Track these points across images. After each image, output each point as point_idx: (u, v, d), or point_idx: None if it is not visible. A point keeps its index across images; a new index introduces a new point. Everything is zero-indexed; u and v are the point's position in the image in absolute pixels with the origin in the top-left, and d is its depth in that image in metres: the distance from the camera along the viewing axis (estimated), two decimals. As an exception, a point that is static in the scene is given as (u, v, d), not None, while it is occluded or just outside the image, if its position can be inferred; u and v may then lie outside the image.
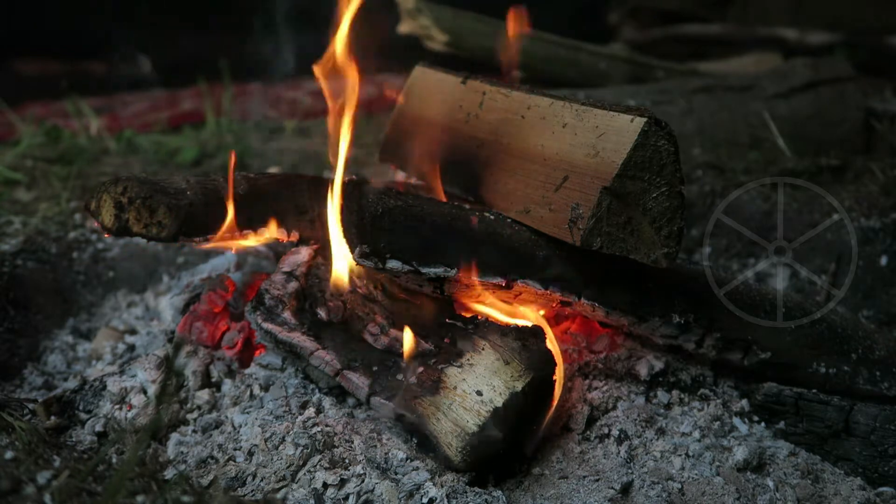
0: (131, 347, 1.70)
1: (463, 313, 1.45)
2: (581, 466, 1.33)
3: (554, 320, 1.60)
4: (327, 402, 1.40)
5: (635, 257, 1.27)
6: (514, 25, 1.68)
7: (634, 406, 1.46)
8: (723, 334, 1.47)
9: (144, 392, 1.45)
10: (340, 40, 1.50)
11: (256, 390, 1.45)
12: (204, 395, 1.44)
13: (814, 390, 1.46)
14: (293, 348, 1.38)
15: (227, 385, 1.47)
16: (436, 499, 1.19)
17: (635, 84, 2.91)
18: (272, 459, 1.27)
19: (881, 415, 1.38)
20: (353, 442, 1.30)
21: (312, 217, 1.52)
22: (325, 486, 1.23)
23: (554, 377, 1.33)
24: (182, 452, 1.33)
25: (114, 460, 1.29)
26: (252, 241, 1.51)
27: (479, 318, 1.40)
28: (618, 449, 1.36)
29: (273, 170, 2.50)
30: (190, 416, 1.41)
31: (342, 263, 1.46)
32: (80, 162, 2.51)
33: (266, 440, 1.31)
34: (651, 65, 3.12)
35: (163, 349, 1.57)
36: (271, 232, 1.49)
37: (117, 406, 1.43)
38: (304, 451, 1.27)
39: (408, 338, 1.34)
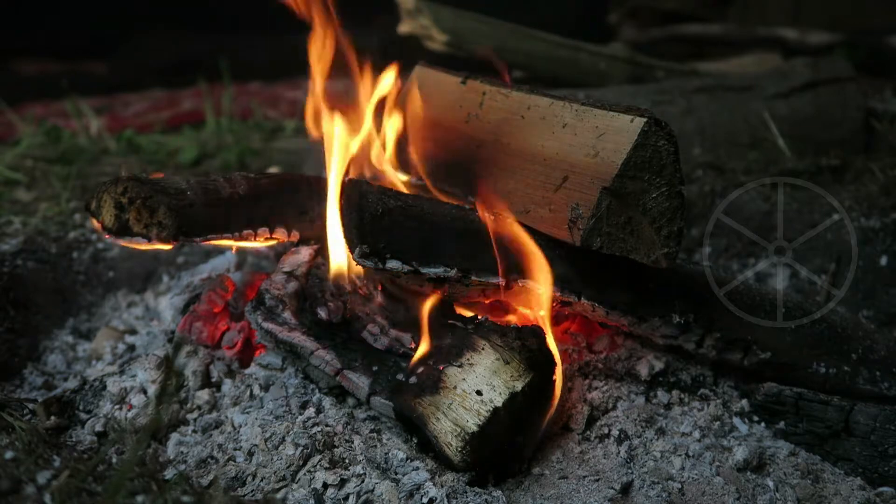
0: (131, 347, 1.70)
1: (463, 313, 1.45)
2: (581, 466, 1.33)
3: (554, 320, 1.60)
4: (327, 402, 1.40)
5: (635, 257, 1.27)
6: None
7: (634, 406, 1.46)
8: (723, 334, 1.47)
9: (144, 392, 1.45)
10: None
11: (256, 390, 1.45)
12: (204, 395, 1.44)
13: (814, 390, 1.46)
14: (293, 348, 1.38)
15: (227, 385, 1.47)
16: (436, 499, 1.19)
17: (635, 84, 2.91)
18: (272, 459, 1.27)
19: (881, 415, 1.38)
20: (353, 442, 1.30)
21: (312, 217, 1.53)
22: (325, 486, 1.23)
23: (554, 377, 1.33)
24: (182, 452, 1.33)
25: (114, 460, 1.29)
26: (256, 243, 1.51)
27: (479, 317, 1.40)
28: (618, 449, 1.36)
29: (273, 170, 2.50)
30: (190, 416, 1.41)
31: (342, 263, 1.46)
32: (80, 162, 2.52)
33: (266, 440, 1.31)
34: (651, 65, 3.12)
35: (163, 349, 1.57)
36: (276, 236, 1.49)
37: (117, 406, 1.43)
38: (304, 451, 1.27)
39: (423, 345, 1.34)
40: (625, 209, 1.23)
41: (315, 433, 1.30)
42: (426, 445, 1.28)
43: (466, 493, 1.21)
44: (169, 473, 1.26)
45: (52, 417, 1.39)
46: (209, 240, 1.43)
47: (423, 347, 1.34)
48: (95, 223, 1.40)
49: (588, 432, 1.41)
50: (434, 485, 1.22)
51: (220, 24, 4.74)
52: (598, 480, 1.28)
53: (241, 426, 1.37)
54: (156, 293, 1.98)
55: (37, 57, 4.85)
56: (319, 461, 1.26)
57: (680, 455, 1.36)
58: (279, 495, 1.22)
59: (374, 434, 1.33)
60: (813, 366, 1.50)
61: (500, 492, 1.23)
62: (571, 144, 1.30)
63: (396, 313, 1.44)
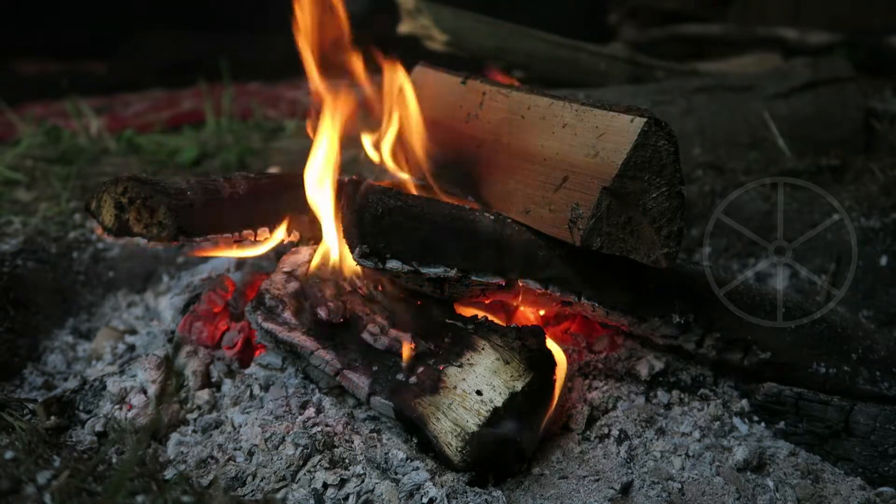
0: (131, 347, 1.69)
1: (463, 313, 1.45)
2: (581, 466, 1.33)
3: (554, 320, 1.60)
4: (327, 402, 1.40)
5: (635, 257, 1.27)
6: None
7: (634, 406, 1.46)
8: (723, 334, 1.47)
9: (144, 392, 1.45)
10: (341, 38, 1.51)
11: (256, 390, 1.45)
12: (204, 395, 1.44)
13: (814, 390, 1.46)
14: (294, 348, 1.38)
15: (227, 385, 1.47)
16: (436, 499, 1.19)
17: (635, 84, 2.90)
18: (272, 459, 1.27)
19: (881, 415, 1.38)
20: (353, 442, 1.30)
21: (312, 217, 1.53)
22: (325, 486, 1.23)
23: (554, 377, 1.33)
24: (182, 452, 1.33)
25: (114, 460, 1.29)
26: (259, 248, 1.51)
27: (479, 317, 1.40)
28: (618, 449, 1.36)
29: (273, 170, 2.50)
30: (190, 416, 1.41)
31: (342, 263, 1.46)
32: (80, 162, 2.52)
33: (266, 440, 1.31)
34: (651, 65, 3.12)
35: (163, 349, 1.57)
36: (275, 238, 1.50)
37: (117, 406, 1.43)
38: (304, 451, 1.27)
39: (406, 348, 1.34)
40: (625, 209, 1.23)
41: (315, 433, 1.30)
42: (426, 445, 1.28)
43: (466, 493, 1.21)
44: (169, 473, 1.26)
45: (52, 417, 1.39)
46: (209, 240, 1.43)
47: (408, 351, 1.34)
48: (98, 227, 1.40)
49: (588, 432, 1.41)
50: (434, 485, 1.22)
51: (220, 24, 4.74)
52: (598, 480, 1.28)
53: (241, 426, 1.37)
54: (156, 293, 1.98)
55: (37, 57, 4.85)
56: (319, 461, 1.26)
57: (680, 455, 1.36)
58: (279, 495, 1.22)
59: (374, 434, 1.33)
60: (813, 366, 1.50)
61: (500, 492, 1.23)
62: (571, 144, 1.30)
63: (396, 313, 1.44)
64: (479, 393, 1.24)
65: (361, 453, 1.28)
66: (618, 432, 1.39)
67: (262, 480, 1.25)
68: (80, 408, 1.44)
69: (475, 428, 1.22)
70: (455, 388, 1.26)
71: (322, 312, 1.40)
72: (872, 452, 1.38)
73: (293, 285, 1.44)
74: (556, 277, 1.37)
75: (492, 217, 1.41)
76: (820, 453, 1.42)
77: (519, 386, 1.25)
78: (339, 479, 1.23)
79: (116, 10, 4.66)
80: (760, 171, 2.24)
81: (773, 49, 4.07)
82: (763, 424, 1.48)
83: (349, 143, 1.57)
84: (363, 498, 1.21)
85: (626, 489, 1.27)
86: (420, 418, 1.25)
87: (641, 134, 1.19)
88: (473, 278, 1.35)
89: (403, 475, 1.25)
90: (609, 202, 1.22)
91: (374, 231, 1.31)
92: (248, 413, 1.39)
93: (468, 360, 1.29)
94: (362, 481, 1.23)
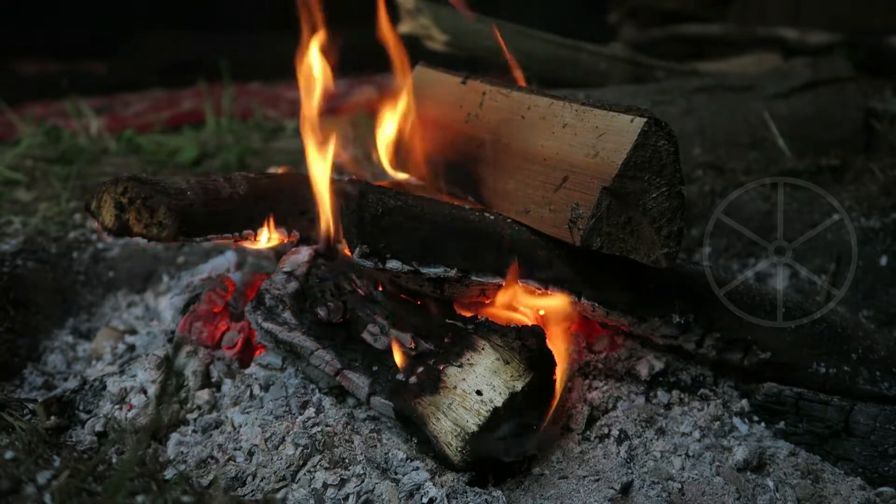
0: (131, 347, 1.69)
1: (463, 313, 1.45)
2: (581, 466, 1.33)
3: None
4: (327, 402, 1.40)
5: (635, 257, 1.27)
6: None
7: (634, 406, 1.46)
8: (723, 334, 1.47)
9: (144, 392, 1.45)
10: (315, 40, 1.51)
11: (256, 390, 1.45)
12: (204, 395, 1.44)
13: (814, 390, 1.46)
14: (294, 348, 1.38)
15: (227, 385, 1.47)
16: (436, 499, 1.19)
17: (635, 84, 2.90)
18: (272, 459, 1.27)
19: (881, 415, 1.38)
20: (353, 442, 1.30)
21: (312, 217, 1.52)
22: (325, 486, 1.23)
23: (554, 377, 1.33)
24: (182, 452, 1.33)
25: (114, 460, 1.29)
26: (259, 245, 1.51)
27: (479, 317, 1.40)
28: (618, 449, 1.36)
29: (273, 170, 2.50)
30: (190, 416, 1.41)
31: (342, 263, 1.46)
32: (80, 162, 2.52)
33: (266, 440, 1.31)
34: (651, 65, 3.12)
35: (163, 349, 1.57)
36: (274, 236, 1.50)
37: (117, 406, 1.43)
38: (304, 451, 1.27)
39: (397, 354, 1.34)
40: (625, 209, 1.23)
41: (315, 433, 1.30)
42: (426, 445, 1.28)
43: (466, 493, 1.21)
44: (169, 473, 1.26)
45: (52, 417, 1.39)
46: (209, 240, 1.43)
47: (399, 355, 1.34)
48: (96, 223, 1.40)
49: (588, 432, 1.41)
50: (434, 485, 1.22)
51: (220, 24, 4.74)
52: (598, 480, 1.28)
53: (241, 426, 1.37)
54: (156, 293, 1.98)
55: (37, 57, 4.85)
56: (319, 461, 1.26)
57: (680, 455, 1.36)
58: (279, 495, 1.22)
59: (374, 434, 1.33)
60: (813, 366, 1.50)
61: (500, 492, 1.23)
62: (571, 144, 1.30)
63: (397, 313, 1.44)
64: (479, 393, 1.24)
65: (361, 453, 1.28)
66: (618, 432, 1.39)
67: (262, 480, 1.25)
68: (80, 408, 1.44)
69: (475, 428, 1.22)
70: (455, 388, 1.26)
71: (322, 312, 1.40)
72: (872, 452, 1.38)
73: (293, 285, 1.44)
74: (556, 277, 1.37)
75: (492, 217, 1.41)
76: (820, 453, 1.42)
77: (519, 386, 1.25)
78: (339, 479, 1.23)
79: (116, 10, 4.66)
80: (760, 171, 2.24)
81: (773, 49, 4.07)
82: (763, 424, 1.48)
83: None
84: (363, 498, 1.21)
85: (626, 489, 1.27)
86: (420, 418, 1.25)
87: (641, 134, 1.19)
88: (473, 278, 1.35)
89: (403, 475, 1.25)
90: (609, 202, 1.22)
91: (374, 231, 1.31)
92: (248, 413, 1.39)
93: (468, 360, 1.29)
94: (362, 481, 1.23)
